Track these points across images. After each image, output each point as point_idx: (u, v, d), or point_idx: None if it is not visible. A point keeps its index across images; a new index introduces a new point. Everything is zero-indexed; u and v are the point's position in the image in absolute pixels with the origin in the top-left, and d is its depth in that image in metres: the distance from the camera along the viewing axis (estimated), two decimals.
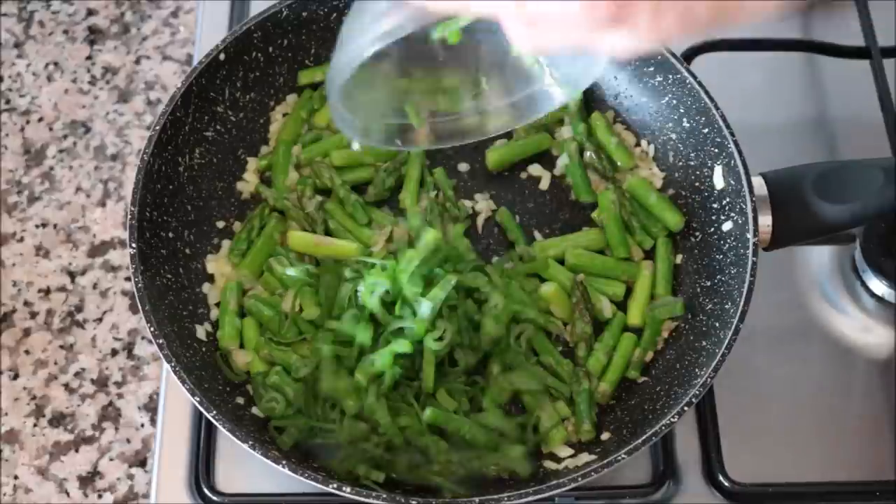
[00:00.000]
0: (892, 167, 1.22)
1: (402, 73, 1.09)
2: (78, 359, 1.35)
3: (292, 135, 1.40)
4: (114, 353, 1.36)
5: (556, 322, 1.29)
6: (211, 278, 1.32)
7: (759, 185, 1.25)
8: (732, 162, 1.26)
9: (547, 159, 1.42)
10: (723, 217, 1.28)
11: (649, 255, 1.34)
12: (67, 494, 1.27)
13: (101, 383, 1.34)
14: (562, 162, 1.40)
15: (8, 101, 1.54)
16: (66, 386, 1.34)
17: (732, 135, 1.27)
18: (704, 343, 1.22)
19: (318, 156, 1.38)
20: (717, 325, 1.22)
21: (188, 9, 1.61)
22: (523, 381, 1.23)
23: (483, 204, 1.38)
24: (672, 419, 1.12)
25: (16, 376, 1.34)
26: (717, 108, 1.29)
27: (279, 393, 1.21)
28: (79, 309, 1.38)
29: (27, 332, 1.37)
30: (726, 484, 1.24)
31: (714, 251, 1.29)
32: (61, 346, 1.36)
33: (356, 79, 0.92)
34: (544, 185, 1.40)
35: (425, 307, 1.18)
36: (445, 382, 1.22)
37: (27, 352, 1.36)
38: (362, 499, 1.09)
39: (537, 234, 1.37)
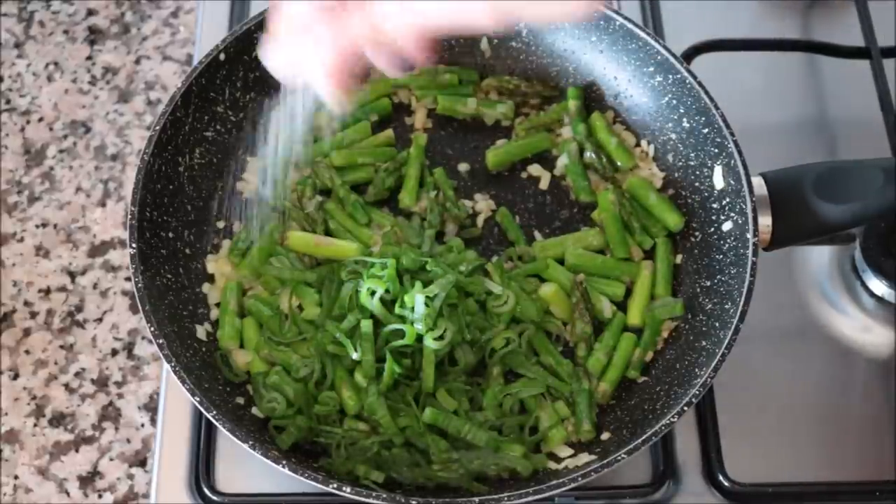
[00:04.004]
0: (892, 167, 1.22)
1: None
2: (78, 359, 1.36)
3: None
4: (114, 353, 1.36)
5: (556, 322, 1.29)
6: (211, 278, 1.32)
7: (759, 185, 1.25)
8: (732, 162, 1.26)
9: (547, 159, 1.42)
10: (723, 217, 1.28)
11: (649, 255, 1.34)
12: (67, 494, 1.27)
13: (101, 383, 1.34)
14: (562, 162, 1.40)
15: (8, 101, 1.54)
16: (67, 386, 1.34)
17: (732, 135, 1.27)
18: (704, 343, 1.22)
19: (318, 156, 1.38)
20: (717, 325, 1.22)
21: (188, 9, 1.61)
22: (527, 389, 1.23)
23: (483, 204, 1.38)
24: (672, 419, 1.12)
25: (16, 376, 1.34)
26: (717, 108, 1.29)
27: (279, 393, 1.21)
28: (79, 309, 1.39)
29: (27, 332, 1.37)
30: (726, 484, 1.24)
31: (714, 251, 1.29)
32: (61, 346, 1.36)
33: None
34: (544, 185, 1.40)
35: (419, 302, 1.18)
36: (445, 382, 1.22)
37: (27, 352, 1.36)
38: (362, 499, 1.09)
39: (537, 234, 1.37)
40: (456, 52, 1.46)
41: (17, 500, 1.27)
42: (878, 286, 1.37)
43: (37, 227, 1.44)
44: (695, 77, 1.31)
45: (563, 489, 1.10)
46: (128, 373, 1.35)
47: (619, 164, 1.39)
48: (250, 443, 1.10)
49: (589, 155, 1.38)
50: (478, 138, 1.43)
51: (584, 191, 1.38)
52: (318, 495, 1.22)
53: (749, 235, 1.22)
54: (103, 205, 1.46)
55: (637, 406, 1.24)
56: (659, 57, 1.34)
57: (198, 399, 1.12)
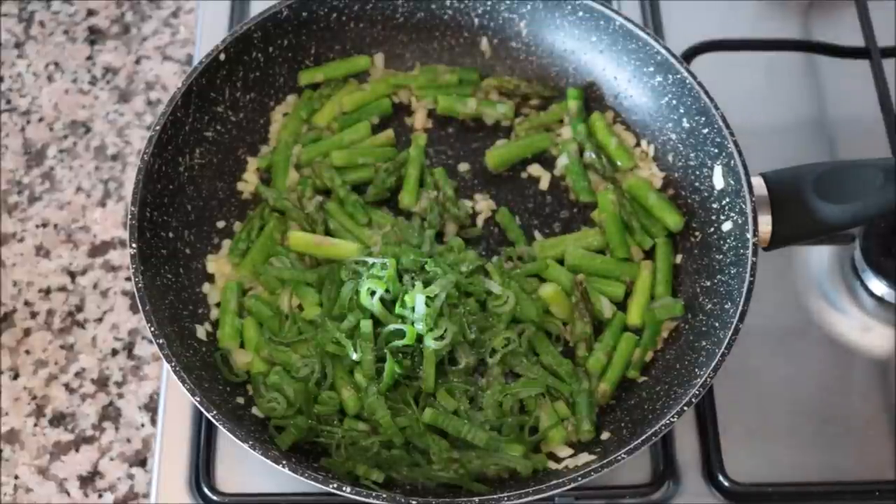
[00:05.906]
0: (892, 167, 1.22)
1: None
2: (78, 359, 1.36)
3: (292, 135, 1.40)
4: (114, 353, 1.36)
5: (556, 322, 1.29)
6: (211, 278, 1.32)
7: (759, 185, 1.25)
8: (732, 162, 1.26)
9: (547, 159, 1.42)
10: (723, 217, 1.28)
11: (649, 255, 1.34)
12: (68, 494, 1.27)
13: (102, 383, 1.34)
14: (562, 162, 1.40)
15: (8, 101, 1.54)
16: (67, 386, 1.34)
17: (732, 135, 1.27)
18: (704, 343, 1.22)
19: (318, 156, 1.38)
20: (717, 325, 1.22)
21: (188, 9, 1.61)
22: (527, 389, 1.23)
23: (483, 204, 1.38)
24: (672, 419, 1.12)
25: (16, 376, 1.34)
26: (717, 108, 1.29)
27: (279, 393, 1.21)
28: (79, 309, 1.39)
29: (27, 332, 1.37)
30: (726, 484, 1.24)
31: (714, 251, 1.29)
32: (62, 346, 1.36)
33: None
34: (544, 185, 1.40)
35: (420, 302, 1.19)
36: (445, 382, 1.22)
37: (27, 352, 1.36)
38: (362, 499, 1.09)
39: (537, 234, 1.37)
40: (456, 52, 1.46)
41: (18, 500, 1.27)
42: (878, 286, 1.37)
43: (37, 227, 1.44)
44: (695, 77, 1.31)
45: (563, 489, 1.11)
46: (128, 373, 1.35)
47: (619, 164, 1.39)
48: (250, 443, 1.10)
49: (589, 155, 1.38)
50: (478, 138, 1.43)
51: (584, 191, 1.38)
52: (318, 495, 1.22)
53: (749, 235, 1.22)
54: (103, 205, 1.46)
55: (637, 406, 1.24)
56: (659, 57, 1.34)
57: (198, 399, 1.12)
